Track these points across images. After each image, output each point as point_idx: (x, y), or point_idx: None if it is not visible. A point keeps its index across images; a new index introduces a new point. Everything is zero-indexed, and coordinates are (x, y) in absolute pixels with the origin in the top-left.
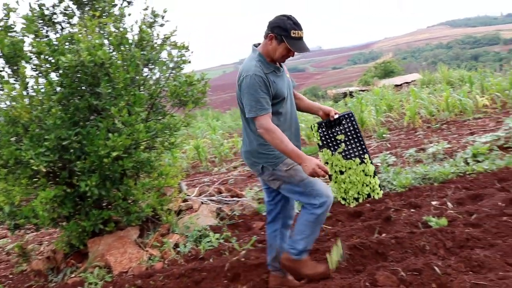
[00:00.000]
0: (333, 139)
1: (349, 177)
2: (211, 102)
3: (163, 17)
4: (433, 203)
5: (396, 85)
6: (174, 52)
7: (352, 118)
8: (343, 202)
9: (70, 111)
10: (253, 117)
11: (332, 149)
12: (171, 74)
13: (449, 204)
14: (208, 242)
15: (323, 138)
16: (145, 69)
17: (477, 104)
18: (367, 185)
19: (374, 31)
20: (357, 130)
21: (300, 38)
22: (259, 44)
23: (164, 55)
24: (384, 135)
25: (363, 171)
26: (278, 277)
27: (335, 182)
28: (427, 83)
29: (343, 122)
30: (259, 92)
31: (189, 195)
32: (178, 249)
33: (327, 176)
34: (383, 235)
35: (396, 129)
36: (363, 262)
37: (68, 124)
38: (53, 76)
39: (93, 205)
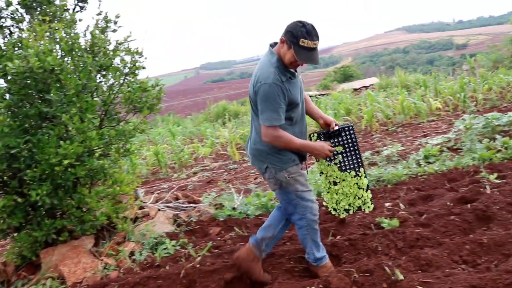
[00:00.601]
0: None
1: (342, 188)
2: (172, 107)
3: (115, 23)
4: (386, 204)
5: (355, 89)
6: (128, 58)
7: (352, 131)
8: (333, 212)
9: (19, 118)
10: (266, 126)
11: (328, 159)
12: (125, 80)
13: (401, 205)
14: (164, 249)
15: None
16: (98, 75)
17: (430, 107)
18: (359, 198)
19: (333, 36)
20: (355, 144)
21: (310, 49)
22: (275, 43)
23: (118, 60)
24: None
25: (357, 184)
26: (251, 254)
27: (328, 192)
28: (385, 86)
29: (342, 134)
30: (277, 101)
31: (146, 202)
32: (134, 257)
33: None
34: (338, 237)
35: None
36: None
37: (17, 131)
38: (1, 82)
39: (45, 214)
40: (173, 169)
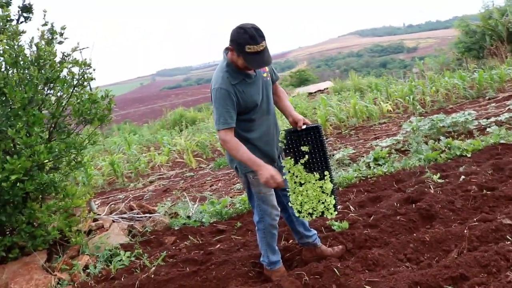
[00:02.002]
0: (297, 149)
1: (306, 191)
2: (129, 115)
3: (61, 34)
4: (338, 207)
5: (310, 93)
6: (76, 69)
7: (320, 132)
8: (297, 214)
9: None
10: (216, 129)
11: (296, 159)
12: (74, 92)
13: (351, 207)
14: (119, 261)
15: (288, 146)
16: (46, 88)
17: (382, 109)
18: (322, 203)
19: (288, 40)
20: (323, 145)
21: (258, 52)
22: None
23: (66, 72)
24: None
25: (321, 187)
26: (310, 249)
27: (294, 192)
28: (339, 90)
29: (311, 133)
30: (224, 106)
31: (100, 214)
32: (88, 270)
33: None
34: (290, 241)
35: None
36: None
37: None
38: None
39: None
40: (130, 178)
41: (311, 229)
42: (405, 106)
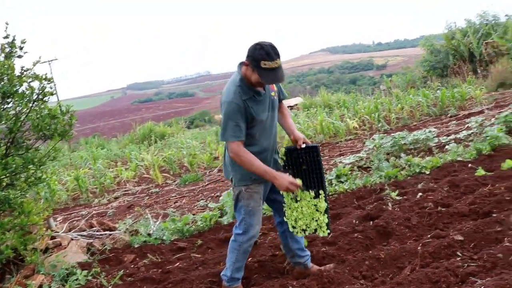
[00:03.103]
0: (295, 166)
1: (301, 208)
2: (99, 128)
3: (21, 48)
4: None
5: None
6: (36, 84)
7: (317, 152)
8: (291, 229)
9: None
10: (226, 141)
11: (293, 175)
12: (34, 107)
13: None
14: (75, 280)
15: (287, 163)
16: (3, 102)
17: (348, 126)
18: (316, 220)
19: None
20: (320, 165)
21: (272, 69)
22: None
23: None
24: None
25: (315, 205)
26: (301, 270)
27: (289, 208)
28: (308, 106)
29: (309, 152)
30: (234, 119)
31: (58, 232)
32: None
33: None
34: (249, 259)
35: None
36: None
37: None
38: None
39: None
40: (95, 194)
41: (306, 249)
42: (371, 123)
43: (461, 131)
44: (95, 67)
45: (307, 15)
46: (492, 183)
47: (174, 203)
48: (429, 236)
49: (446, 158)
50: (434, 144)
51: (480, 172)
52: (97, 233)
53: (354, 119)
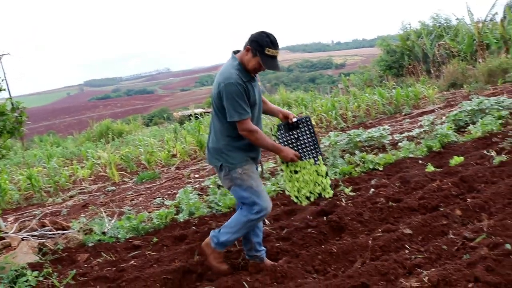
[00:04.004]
0: (290, 141)
1: (303, 176)
2: (54, 126)
3: None
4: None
5: None
6: None
7: (309, 122)
8: (295, 200)
9: None
10: (237, 121)
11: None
12: None
13: (266, 221)
14: (25, 281)
15: (281, 140)
16: None
17: None
18: (319, 185)
19: (222, 54)
20: (313, 134)
21: (274, 57)
22: (237, 51)
23: None
24: None
25: (316, 171)
26: (256, 264)
27: (290, 181)
28: None
29: (300, 126)
30: (239, 98)
31: (7, 232)
32: None
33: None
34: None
35: None
36: (182, 284)
37: None
38: None
39: None
40: (49, 193)
41: (263, 245)
42: (328, 121)
43: (413, 129)
44: (50, 54)
45: (268, 13)
46: (440, 179)
47: (131, 201)
48: (380, 230)
49: (398, 155)
50: (388, 142)
51: (430, 168)
52: (50, 232)
53: (312, 117)
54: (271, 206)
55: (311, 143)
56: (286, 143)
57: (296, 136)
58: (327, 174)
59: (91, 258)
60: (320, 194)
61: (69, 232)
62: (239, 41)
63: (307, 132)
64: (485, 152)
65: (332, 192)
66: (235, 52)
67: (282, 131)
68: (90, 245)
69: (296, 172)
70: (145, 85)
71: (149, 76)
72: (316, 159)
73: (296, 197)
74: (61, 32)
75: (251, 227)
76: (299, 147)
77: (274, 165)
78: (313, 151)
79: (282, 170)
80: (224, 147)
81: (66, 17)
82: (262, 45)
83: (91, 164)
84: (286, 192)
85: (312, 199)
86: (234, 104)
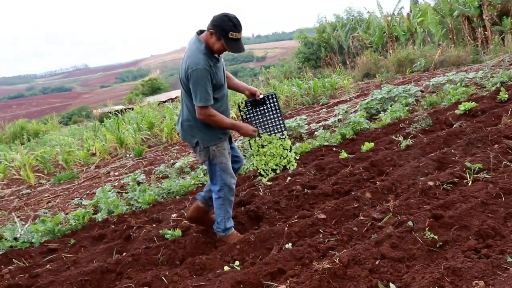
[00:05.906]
0: (256, 116)
1: (269, 150)
2: None
3: None
4: (173, 216)
5: (162, 102)
6: None
7: (275, 99)
8: (262, 173)
9: None
10: (200, 106)
11: (255, 126)
12: None
13: (185, 215)
14: None
15: (248, 115)
16: None
17: None
18: (284, 158)
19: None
20: (278, 110)
21: (238, 39)
22: (201, 31)
23: None
24: (142, 153)
25: (282, 145)
26: (201, 209)
27: (257, 155)
28: None
29: (267, 102)
30: (207, 84)
31: None
32: None
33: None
34: (123, 254)
35: (155, 146)
36: (101, 285)
37: None
38: None
39: None
40: None
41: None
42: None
43: (329, 118)
44: None
45: (185, 6)
46: (352, 164)
47: (47, 203)
48: (296, 217)
49: (314, 144)
50: (305, 131)
51: (343, 154)
52: None
53: (231, 110)
54: (234, 182)
55: (276, 119)
56: (253, 119)
57: (262, 111)
58: (291, 148)
59: (2, 266)
60: (285, 167)
61: None
62: (155, 36)
63: (273, 108)
64: (393, 137)
65: (295, 164)
66: (198, 33)
67: (249, 108)
68: (0, 253)
69: (263, 146)
70: (62, 82)
71: (66, 73)
72: (281, 134)
73: (263, 169)
74: None
75: (231, 201)
76: (265, 122)
77: (194, 159)
78: (278, 126)
79: (250, 144)
80: (200, 125)
81: None
82: (225, 29)
83: (4, 167)
84: (253, 166)
85: (278, 171)
86: (201, 90)
